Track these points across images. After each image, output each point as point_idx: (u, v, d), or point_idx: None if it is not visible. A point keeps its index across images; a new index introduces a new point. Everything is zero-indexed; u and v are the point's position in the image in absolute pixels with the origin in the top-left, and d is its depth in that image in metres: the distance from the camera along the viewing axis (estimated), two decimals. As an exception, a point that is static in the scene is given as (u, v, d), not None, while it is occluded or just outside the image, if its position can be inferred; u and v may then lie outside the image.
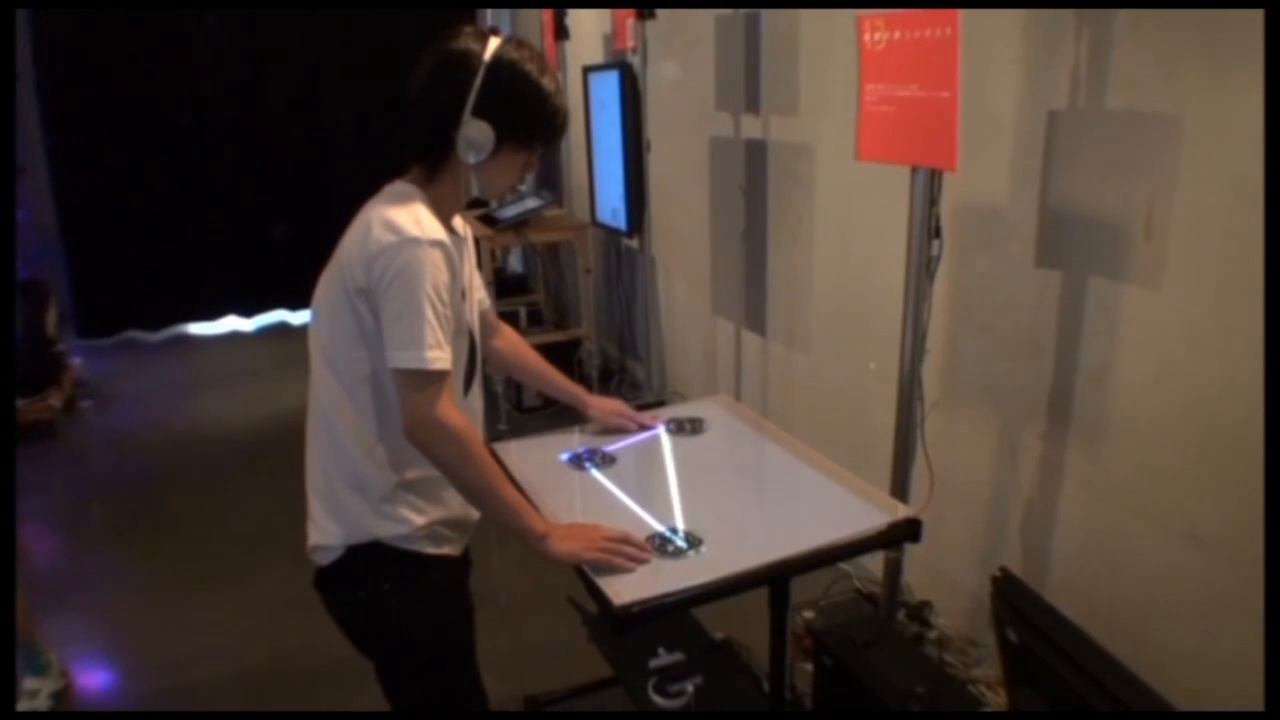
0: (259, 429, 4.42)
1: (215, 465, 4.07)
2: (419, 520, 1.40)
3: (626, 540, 1.38)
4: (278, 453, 3.92)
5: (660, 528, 1.47)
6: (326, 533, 1.40)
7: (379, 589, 1.41)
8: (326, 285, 1.38)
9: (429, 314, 1.27)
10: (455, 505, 1.45)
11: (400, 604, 1.42)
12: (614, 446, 1.81)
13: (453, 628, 1.50)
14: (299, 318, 6.10)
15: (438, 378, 1.29)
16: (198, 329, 6.08)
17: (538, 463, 1.73)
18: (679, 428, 1.88)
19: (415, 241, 1.27)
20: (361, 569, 1.41)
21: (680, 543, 1.42)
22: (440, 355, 1.28)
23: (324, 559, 1.43)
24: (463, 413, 1.41)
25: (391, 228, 1.28)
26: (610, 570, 1.35)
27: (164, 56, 5.48)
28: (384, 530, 1.39)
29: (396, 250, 1.27)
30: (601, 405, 1.83)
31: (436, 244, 1.29)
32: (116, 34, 5.36)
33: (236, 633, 2.77)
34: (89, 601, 2.98)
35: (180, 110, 5.58)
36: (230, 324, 6.13)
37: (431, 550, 1.43)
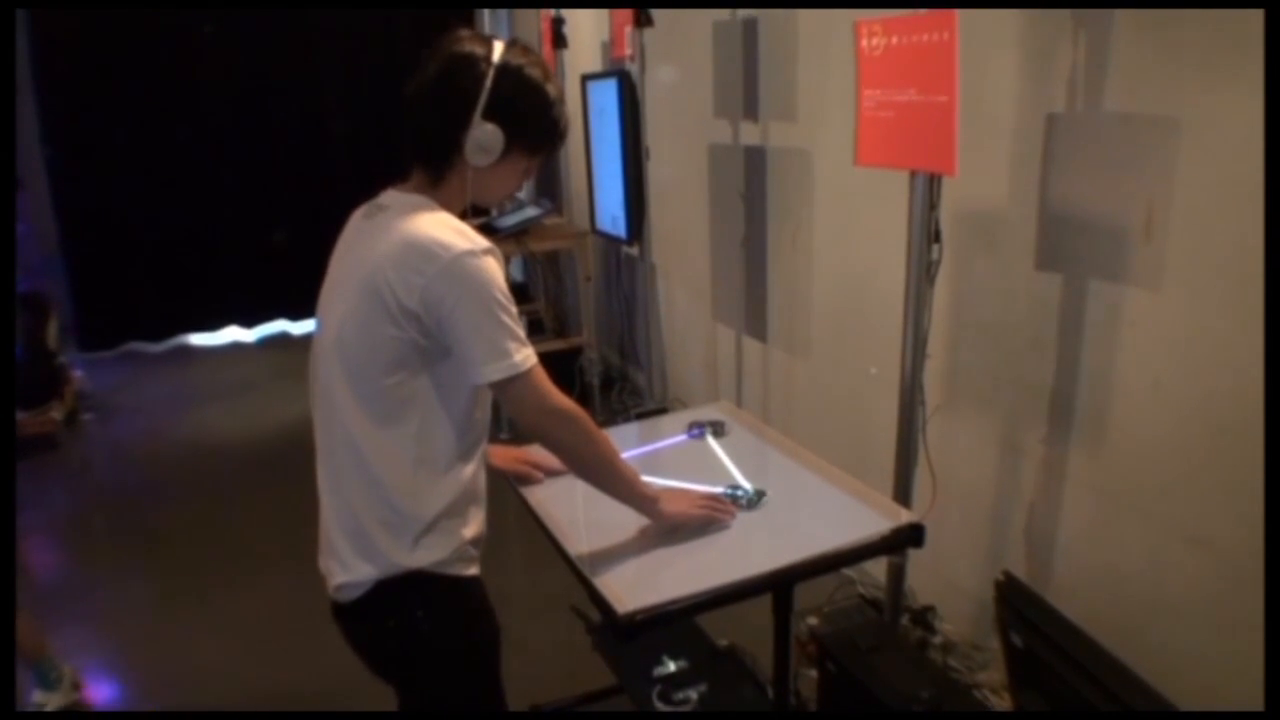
0: (262, 440, 4.42)
1: (219, 477, 4.06)
2: (454, 544, 1.37)
3: (716, 499, 1.54)
4: (281, 464, 3.93)
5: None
6: (356, 571, 1.35)
7: (411, 615, 1.37)
8: (352, 306, 1.31)
9: (504, 319, 1.28)
10: (479, 522, 1.44)
11: (433, 628, 1.38)
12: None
13: (484, 647, 1.47)
14: (300, 328, 6.10)
15: (534, 372, 1.31)
16: (199, 340, 6.08)
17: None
18: (712, 430, 1.92)
19: (470, 253, 1.26)
20: (392, 599, 1.36)
21: (748, 496, 1.59)
22: (528, 353, 1.30)
23: (349, 595, 1.37)
24: (476, 424, 1.41)
25: (440, 244, 1.26)
26: (711, 526, 1.50)
27: (163, 66, 5.49)
28: (421, 561, 1.35)
29: (454, 266, 1.25)
30: (502, 453, 1.72)
31: (488, 250, 1.29)
32: (115, 44, 5.37)
33: (242, 647, 2.77)
34: (91, 615, 2.98)
35: (179, 119, 5.59)
36: (232, 334, 6.14)
37: (463, 571, 1.40)
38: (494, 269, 1.29)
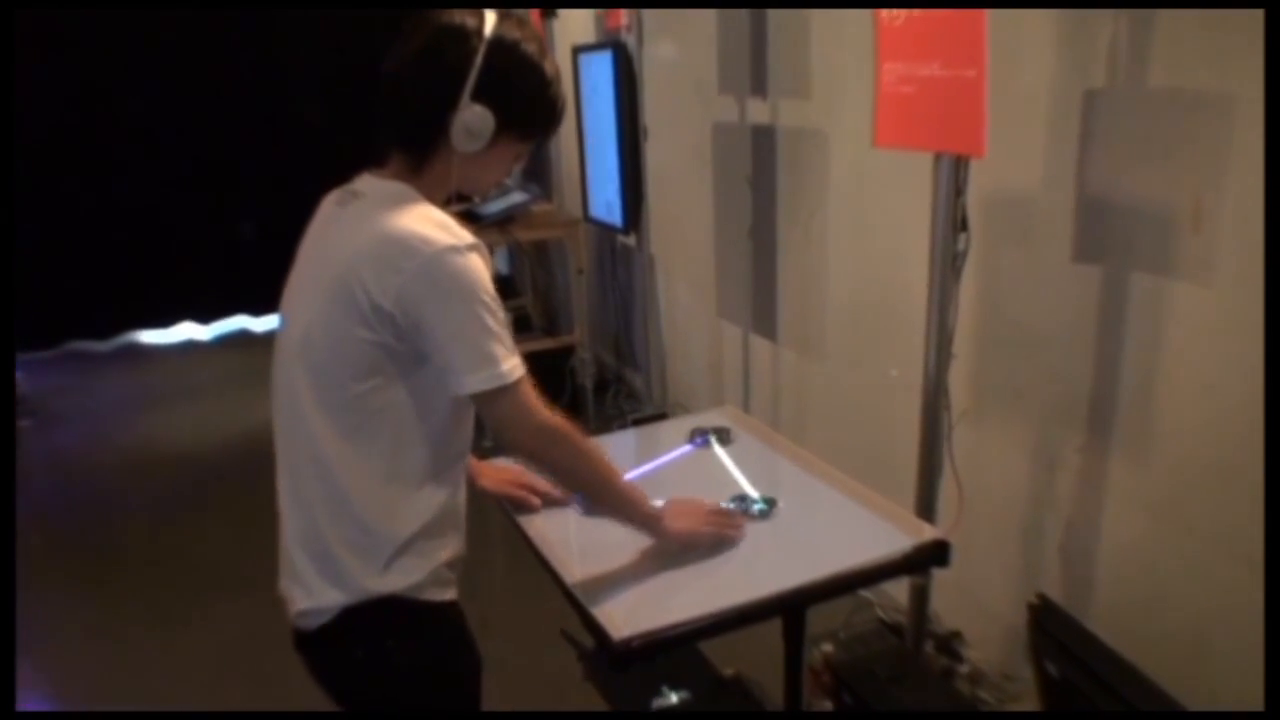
0: (219, 450, 4.42)
1: (170, 490, 4.06)
2: (428, 566, 1.37)
3: (725, 513, 1.55)
4: (238, 476, 3.91)
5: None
6: (321, 597, 1.34)
7: (381, 645, 1.36)
8: (321, 303, 1.30)
9: (491, 323, 1.27)
10: (457, 542, 1.43)
11: (406, 659, 1.37)
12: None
13: (463, 678, 1.46)
14: (262, 325, 6.10)
15: (522, 385, 1.30)
16: (150, 338, 6.08)
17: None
18: (717, 437, 1.91)
19: (454, 249, 1.25)
20: (359, 628, 1.35)
21: (758, 506, 1.60)
22: (515, 362, 1.29)
23: (313, 623, 1.36)
24: (457, 438, 1.40)
25: (421, 239, 1.24)
26: (722, 544, 1.49)
27: (112, 39, 5.47)
28: (392, 585, 1.34)
29: (435, 263, 1.24)
30: (493, 474, 1.71)
31: (474, 247, 1.28)
32: (59, 19, 5.35)
33: (196, 678, 2.76)
34: (28, 643, 2.96)
35: (130, 97, 5.57)
36: (186, 332, 6.13)
37: (438, 596, 1.39)
38: (480, 267, 1.28)
